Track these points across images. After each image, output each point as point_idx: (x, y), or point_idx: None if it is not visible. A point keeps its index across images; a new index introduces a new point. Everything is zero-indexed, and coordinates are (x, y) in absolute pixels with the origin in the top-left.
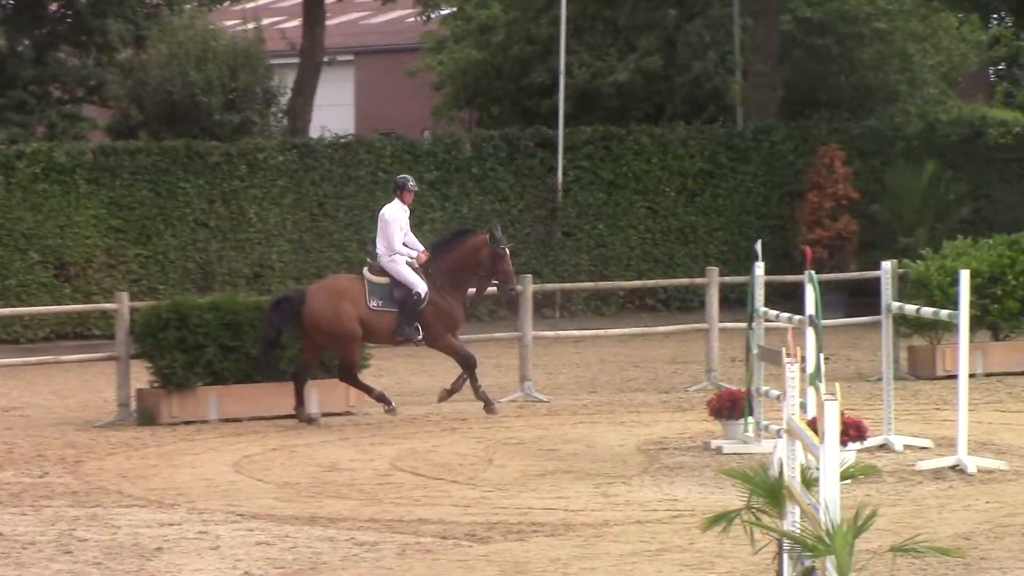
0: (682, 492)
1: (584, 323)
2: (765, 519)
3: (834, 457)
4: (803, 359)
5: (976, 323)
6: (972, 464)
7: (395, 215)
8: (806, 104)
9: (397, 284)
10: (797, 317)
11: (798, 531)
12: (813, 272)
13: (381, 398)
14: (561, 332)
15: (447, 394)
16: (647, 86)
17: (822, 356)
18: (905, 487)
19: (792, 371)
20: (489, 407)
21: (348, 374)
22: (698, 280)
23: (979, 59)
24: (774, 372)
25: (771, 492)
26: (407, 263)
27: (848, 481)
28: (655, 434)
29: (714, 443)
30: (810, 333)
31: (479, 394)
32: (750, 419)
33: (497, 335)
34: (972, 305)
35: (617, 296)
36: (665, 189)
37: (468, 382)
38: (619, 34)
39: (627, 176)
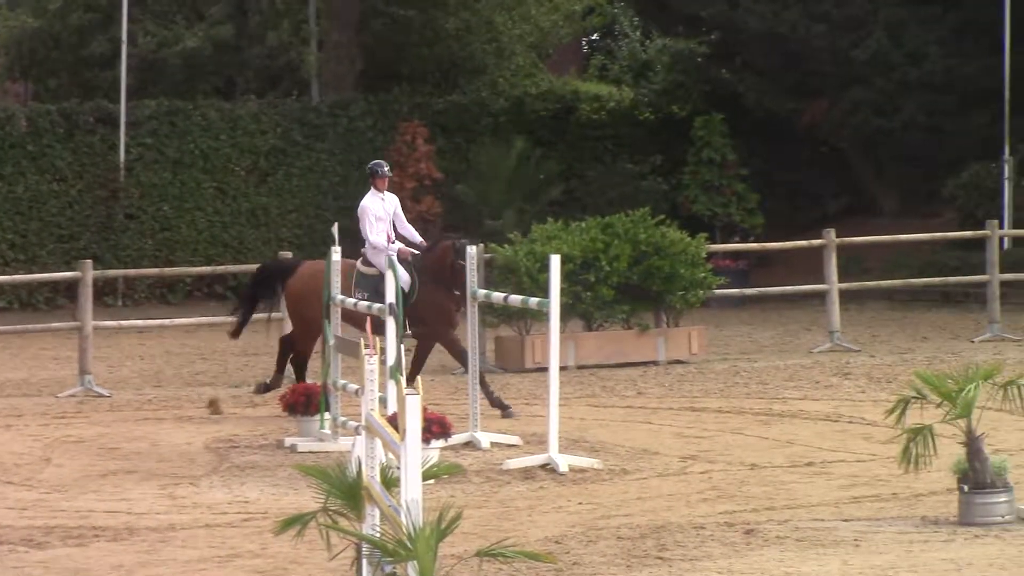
0: (254, 493)
1: (148, 312)
2: (343, 522)
3: (416, 456)
4: (383, 351)
5: (568, 312)
6: (563, 463)
7: (366, 205)
8: (387, 77)
9: (383, 277)
10: (377, 306)
11: (378, 535)
12: (394, 258)
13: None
14: (124, 322)
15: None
16: (217, 57)
17: (403, 347)
18: (492, 487)
19: (371, 363)
20: (505, 412)
21: (298, 364)
22: None
23: (572, 30)
24: (352, 364)
25: (349, 493)
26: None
27: (431, 481)
28: (225, 431)
29: (288, 441)
30: (391, 323)
31: (493, 400)
32: (327, 415)
33: (55, 325)
34: (563, 293)
35: (184, 283)
36: (235, 168)
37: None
38: (186, 1)
39: (194, 154)
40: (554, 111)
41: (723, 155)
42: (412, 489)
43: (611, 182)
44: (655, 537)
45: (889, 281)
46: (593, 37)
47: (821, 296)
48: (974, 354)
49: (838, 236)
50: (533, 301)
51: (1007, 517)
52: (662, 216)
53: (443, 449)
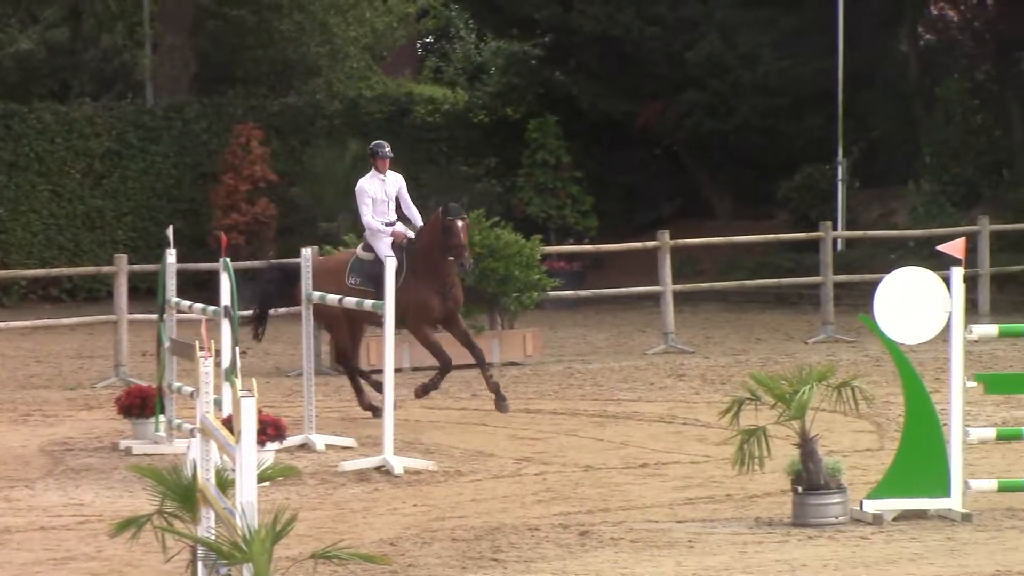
0: (89, 496)
1: None
2: (178, 525)
3: (251, 458)
4: (218, 353)
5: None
6: (398, 465)
7: (364, 186)
8: (221, 79)
9: (378, 261)
10: (212, 308)
11: (213, 537)
12: (228, 260)
13: (368, 406)
14: None
15: (423, 390)
16: (51, 60)
17: (238, 350)
18: (328, 489)
19: (206, 366)
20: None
21: (340, 361)
22: (106, 268)
23: (407, 32)
24: (188, 367)
25: (184, 495)
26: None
27: (266, 483)
28: (60, 434)
29: (123, 443)
30: (226, 325)
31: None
32: (162, 417)
33: None
34: None
35: (19, 286)
36: (70, 171)
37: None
38: (20, 3)
39: (29, 157)
40: (388, 113)
41: (557, 157)
42: (247, 491)
43: (446, 184)
44: (490, 539)
45: (723, 283)
46: (427, 39)
47: (655, 298)
48: (808, 355)
49: (672, 238)
50: (368, 303)
51: (841, 518)
52: (497, 218)
53: (278, 451)
